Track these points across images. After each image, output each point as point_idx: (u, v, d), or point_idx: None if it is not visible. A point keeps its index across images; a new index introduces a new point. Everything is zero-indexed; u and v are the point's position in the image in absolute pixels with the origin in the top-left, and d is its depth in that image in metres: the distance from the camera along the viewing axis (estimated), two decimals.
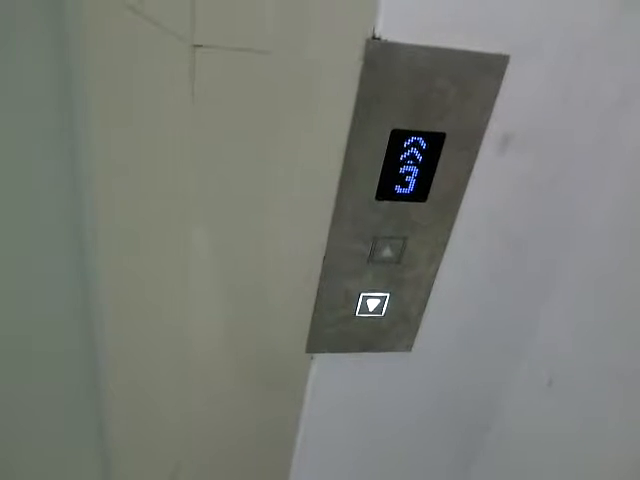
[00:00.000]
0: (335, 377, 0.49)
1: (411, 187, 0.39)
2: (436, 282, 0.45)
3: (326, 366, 0.48)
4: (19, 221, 0.46)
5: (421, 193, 0.40)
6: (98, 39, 0.37)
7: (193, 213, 0.39)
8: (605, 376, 0.45)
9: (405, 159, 0.38)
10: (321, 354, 0.47)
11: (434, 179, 0.39)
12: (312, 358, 0.47)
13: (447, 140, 0.38)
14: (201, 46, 0.32)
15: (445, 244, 0.43)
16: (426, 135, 0.37)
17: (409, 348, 0.48)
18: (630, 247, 0.42)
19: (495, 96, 0.37)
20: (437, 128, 0.37)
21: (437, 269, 0.44)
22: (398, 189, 0.39)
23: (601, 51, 0.37)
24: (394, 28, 0.34)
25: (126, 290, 0.47)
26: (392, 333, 0.47)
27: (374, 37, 0.34)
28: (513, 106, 0.38)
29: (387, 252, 0.42)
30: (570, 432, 0.47)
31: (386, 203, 0.40)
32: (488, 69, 0.36)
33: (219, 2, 0.31)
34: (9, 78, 0.40)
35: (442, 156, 0.38)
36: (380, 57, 0.34)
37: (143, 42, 0.34)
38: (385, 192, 0.39)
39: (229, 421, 0.51)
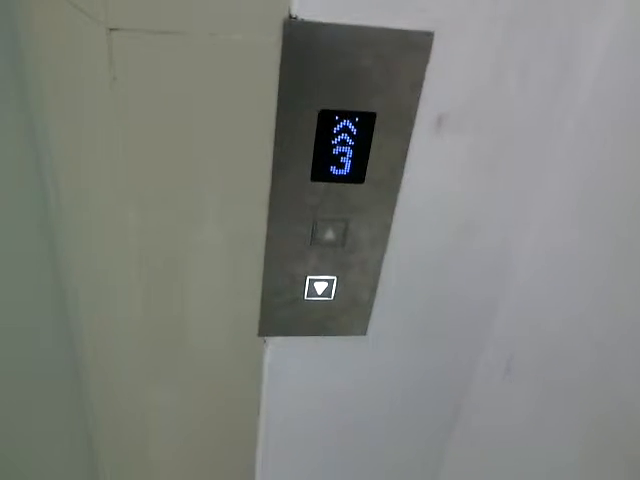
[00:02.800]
0: (291, 361, 0.49)
1: (347, 168, 0.39)
2: (385, 266, 0.45)
3: (281, 350, 0.48)
4: None
5: (357, 174, 0.40)
6: (40, 29, 0.39)
7: (129, 200, 0.39)
8: (562, 362, 0.44)
9: (338, 140, 0.38)
10: (274, 338, 0.48)
11: (369, 160, 0.39)
12: (265, 342, 0.48)
13: (378, 120, 0.38)
14: (117, 29, 0.33)
15: (389, 227, 0.42)
16: (356, 115, 0.37)
17: (363, 332, 0.48)
18: (581, 227, 0.41)
19: (422, 74, 0.36)
20: (366, 108, 0.37)
21: (383, 252, 0.44)
22: (334, 170, 0.39)
23: (531, 26, 0.36)
24: (311, 7, 0.34)
25: (88, 275, 0.49)
26: (344, 317, 0.47)
27: (291, 16, 0.34)
28: (444, 85, 0.37)
29: (329, 235, 0.42)
30: (526, 420, 0.47)
31: (323, 185, 0.40)
32: (413, 47, 0.35)
33: None
34: None
35: (375, 136, 0.38)
36: (299, 37, 0.34)
37: (68, 27, 0.35)
38: (320, 174, 0.39)
39: (190, 411, 0.52)
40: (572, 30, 0.36)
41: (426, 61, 0.36)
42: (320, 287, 0.45)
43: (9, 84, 0.43)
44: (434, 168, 0.40)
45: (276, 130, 0.37)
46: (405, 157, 0.39)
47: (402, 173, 0.40)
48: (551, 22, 0.36)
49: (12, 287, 0.52)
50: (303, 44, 0.34)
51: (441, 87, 0.37)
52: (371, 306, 0.47)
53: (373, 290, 0.46)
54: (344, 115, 0.37)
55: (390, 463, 0.58)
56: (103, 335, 0.53)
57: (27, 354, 0.57)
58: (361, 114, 0.37)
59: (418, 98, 0.37)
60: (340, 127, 0.38)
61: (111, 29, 0.33)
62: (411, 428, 0.55)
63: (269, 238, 0.42)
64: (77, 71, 0.37)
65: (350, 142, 0.38)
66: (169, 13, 0.33)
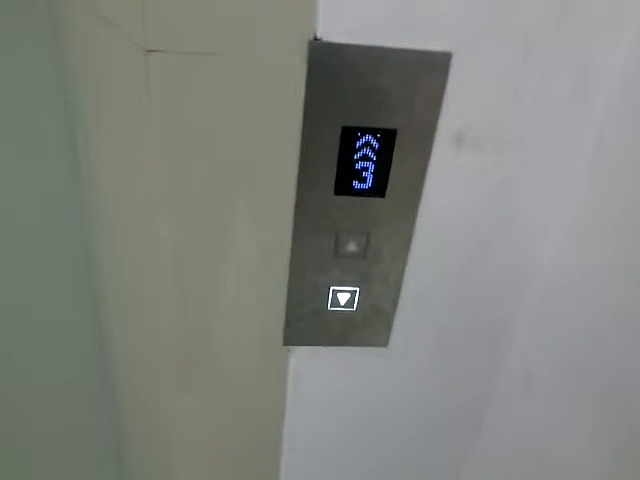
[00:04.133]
0: (314, 371, 0.50)
1: (369, 183, 0.41)
2: (406, 279, 0.46)
3: (305, 360, 0.50)
4: (27, 218, 0.51)
5: (379, 189, 0.41)
6: (83, 48, 0.42)
7: (161, 213, 0.42)
8: (579, 377, 0.44)
9: (360, 155, 0.40)
10: (299, 347, 0.49)
11: (390, 175, 0.41)
12: (289, 351, 0.49)
13: (399, 137, 0.39)
14: (154, 51, 0.35)
15: (409, 241, 0.44)
16: (377, 131, 0.39)
17: (385, 344, 0.49)
18: (599, 247, 0.42)
19: (442, 93, 0.38)
20: (387, 125, 0.39)
21: (404, 265, 0.45)
22: (356, 185, 0.41)
23: (549, 46, 0.37)
24: (334, 29, 0.36)
25: (120, 282, 0.51)
26: (366, 328, 0.48)
27: (316, 38, 0.36)
28: (463, 104, 0.39)
29: (352, 247, 0.44)
30: (545, 434, 0.47)
31: (345, 198, 0.41)
32: (431, 66, 0.37)
33: (168, 7, 0.34)
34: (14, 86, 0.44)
35: (396, 152, 0.40)
36: (323, 58, 0.36)
37: (107, 47, 0.38)
38: (343, 188, 0.41)
39: (215, 418, 0.54)
40: (589, 49, 0.37)
41: (445, 80, 0.38)
42: (343, 298, 0.46)
43: (56, 100, 0.46)
44: (454, 184, 0.42)
45: (301, 145, 0.39)
46: (425, 173, 0.41)
47: (422, 188, 0.41)
48: (568, 42, 0.37)
49: (47, 291, 0.55)
50: (327, 64, 0.36)
51: (460, 105, 0.39)
52: (392, 318, 0.48)
53: (394, 302, 0.47)
54: (366, 131, 0.39)
55: (411, 474, 0.58)
56: (133, 342, 0.55)
57: (58, 358, 0.59)
58: (382, 130, 0.39)
59: (437, 116, 0.39)
60: (362, 143, 0.39)
61: (149, 50, 0.35)
62: (432, 439, 0.56)
63: (294, 249, 0.43)
64: (115, 89, 0.39)
65: (372, 157, 0.40)
66: (202, 36, 0.35)
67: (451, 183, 0.42)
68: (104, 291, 0.55)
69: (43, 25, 0.43)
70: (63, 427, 0.65)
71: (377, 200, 0.42)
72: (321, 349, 0.49)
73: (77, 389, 0.63)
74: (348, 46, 0.36)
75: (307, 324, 0.47)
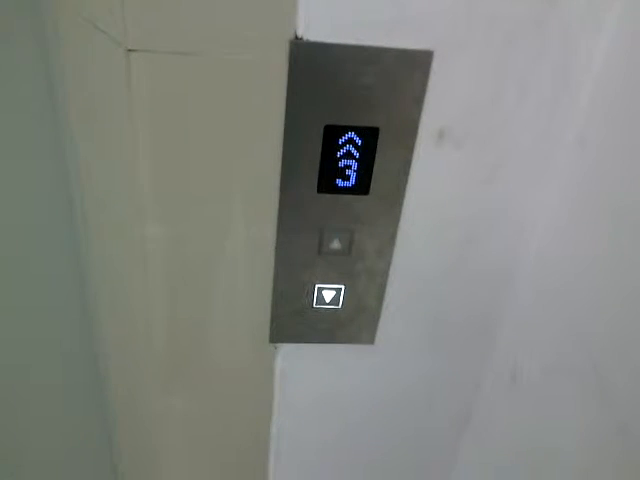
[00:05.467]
0: (301, 368, 0.51)
1: (352, 180, 0.41)
2: (391, 276, 0.46)
3: (291, 357, 0.50)
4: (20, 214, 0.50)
5: (362, 186, 0.41)
6: (67, 50, 0.42)
7: (146, 211, 0.42)
8: (562, 374, 0.44)
9: (342, 153, 0.40)
10: (285, 345, 0.49)
11: (374, 173, 0.41)
12: (275, 348, 0.49)
13: (381, 134, 0.39)
14: (135, 50, 0.35)
15: (394, 238, 0.44)
16: (359, 130, 0.39)
17: (371, 341, 0.49)
18: (581, 240, 0.42)
19: (423, 91, 0.38)
20: (370, 123, 0.39)
21: (389, 263, 0.45)
22: (340, 182, 0.41)
23: (528, 44, 0.37)
24: (315, 28, 0.36)
25: (108, 281, 0.51)
26: (352, 325, 0.48)
27: (297, 37, 0.36)
28: (444, 101, 0.39)
29: (336, 244, 0.44)
30: (531, 428, 0.47)
31: (328, 196, 0.42)
32: (413, 65, 0.37)
33: (148, 7, 0.34)
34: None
35: (379, 150, 0.40)
36: (304, 56, 0.36)
37: (90, 48, 0.38)
38: (326, 186, 0.41)
39: (203, 415, 0.54)
40: (569, 47, 0.37)
41: (426, 78, 0.38)
42: (328, 295, 0.46)
43: (43, 103, 0.46)
44: (437, 181, 0.42)
45: (284, 144, 0.39)
46: (408, 170, 0.41)
47: (406, 185, 0.42)
48: (548, 40, 0.37)
49: (37, 291, 0.55)
50: (308, 63, 0.37)
51: (441, 103, 0.39)
52: (378, 315, 0.48)
53: (380, 299, 0.47)
54: (348, 130, 0.39)
55: (400, 470, 0.59)
56: (122, 340, 0.55)
57: (50, 358, 0.59)
58: (365, 129, 0.39)
59: (419, 114, 0.39)
60: (344, 141, 0.39)
61: (129, 50, 0.35)
62: (421, 436, 0.56)
63: (279, 247, 0.44)
64: (99, 88, 0.39)
65: (355, 155, 0.40)
66: (183, 35, 0.35)
67: (434, 180, 0.42)
68: (95, 291, 0.56)
69: (30, 26, 0.43)
70: (54, 426, 0.65)
71: (361, 197, 0.42)
72: (308, 346, 0.49)
73: (68, 389, 0.63)
74: (329, 45, 0.36)
75: (293, 321, 0.48)
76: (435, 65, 0.37)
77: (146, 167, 0.40)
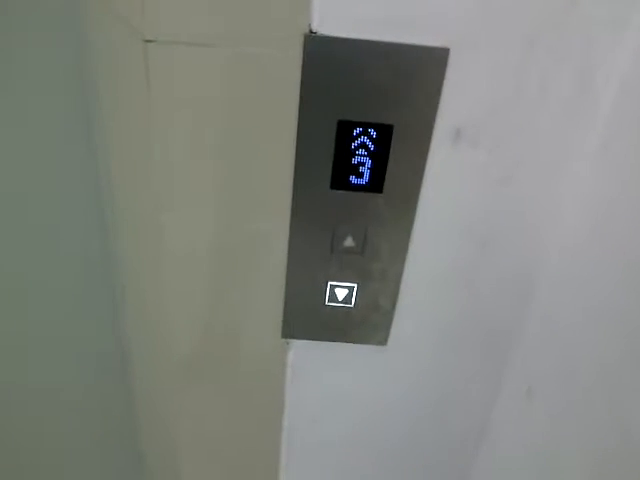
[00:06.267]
0: (313, 365, 0.50)
1: (366, 178, 0.41)
2: (405, 277, 0.45)
3: (303, 353, 0.50)
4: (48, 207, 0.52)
5: (376, 184, 0.41)
6: (92, 40, 0.43)
7: (163, 203, 0.43)
8: (576, 388, 0.43)
9: (356, 149, 0.40)
10: (297, 341, 0.49)
11: (388, 171, 0.40)
12: (288, 344, 0.49)
13: (396, 132, 0.39)
14: (152, 41, 0.36)
15: (408, 238, 0.43)
16: (373, 126, 0.39)
17: (383, 342, 0.49)
18: (606, 246, 0.41)
19: (439, 89, 0.38)
20: (384, 120, 0.39)
21: (403, 263, 0.45)
22: (353, 179, 0.41)
23: (551, 43, 0.36)
24: (330, 23, 0.36)
25: (132, 275, 0.53)
26: (364, 325, 0.48)
27: (311, 32, 0.36)
28: (461, 100, 0.38)
29: (349, 242, 0.44)
30: (545, 443, 0.46)
31: (342, 193, 0.41)
32: (429, 62, 0.37)
33: None
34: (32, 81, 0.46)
35: (393, 148, 0.40)
36: (318, 51, 0.36)
37: (111, 38, 0.39)
38: (340, 182, 0.41)
39: (217, 409, 0.55)
40: (591, 47, 0.36)
41: (442, 76, 0.37)
42: (341, 293, 0.46)
43: (75, 100, 0.47)
44: (453, 181, 0.41)
45: (297, 138, 0.39)
46: (423, 169, 0.40)
47: (420, 184, 0.41)
48: (569, 40, 0.36)
49: (64, 289, 0.56)
50: (322, 58, 0.36)
51: (459, 101, 0.38)
52: (391, 316, 0.47)
53: (393, 300, 0.47)
54: (362, 126, 0.39)
55: (412, 473, 0.58)
56: (143, 336, 0.56)
57: (75, 355, 0.61)
58: (379, 125, 0.39)
59: (435, 112, 0.38)
60: (358, 137, 0.39)
61: (147, 40, 0.36)
62: (431, 442, 0.55)
63: (292, 242, 0.44)
64: (120, 79, 0.40)
65: (368, 152, 0.40)
66: (199, 27, 0.36)
67: (450, 180, 0.41)
68: (119, 287, 0.57)
69: (62, 18, 0.44)
70: (83, 417, 0.67)
71: (374, 195, 0.41)
72: (320, 344, 0.49)
73: (93, 386, 0.64)
74: (343, 40, 0.36)
75: (305, 318, 0.47)
76: (452, 63, 0.37)
77: (161, 158, 0.40)
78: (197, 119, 0.39)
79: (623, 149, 0.38)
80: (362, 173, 0.41)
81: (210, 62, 0.37)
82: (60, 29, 0.43)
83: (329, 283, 0.46)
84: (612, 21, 0.35)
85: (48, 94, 0.46)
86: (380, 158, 0.40)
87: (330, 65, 0.37)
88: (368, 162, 0.40)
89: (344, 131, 0.39)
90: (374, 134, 0.39)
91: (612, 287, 0.40)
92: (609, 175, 0.39)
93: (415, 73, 0.37)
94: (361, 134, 0.39)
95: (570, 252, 0.43)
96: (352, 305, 0.47)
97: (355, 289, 0.46)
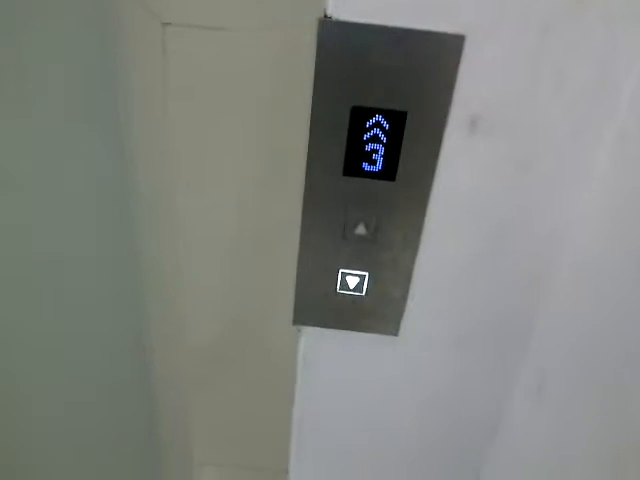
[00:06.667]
0: (324, 352, 0.51)
1: (379, 165, 0.41)
2: (417, 267, 0.45)
3: (314, 340, 0.50)
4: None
5: (389, 171, 0.41)
6: (113, 24, 0.44)
7: (178, 188, 0.43)
8: (586, 385, 0.42)
9: (369, 136, 0.40)
10: (309, 328, 0.49)
11: (401, 158, 0.40)
12: (299, 330, 0.50)
13: (409, 119, 0.39)
14: (170, 24, 0.37)
15: (420, 227, 0.43)
16: (387, 113, 0.39)
17: (395, 332, 0.49)
18: (624, 240, 0.40)
19: (454, 76, 0.37)
20: (398, 107, 0.39)
21: (415, 252, 0.44)
22: (366, 166, 0.41)
23: (569, 33, 0.36)
24: (345, 8, 0.36)
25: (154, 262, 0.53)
26: (376, 314, 0.48)
27: (326, 16, 0.36)
28: (477, 88, 0.38)
29: (361, 229, 0.44)
30: (555, 440, 0.45)
31: (355, 180, 0.41)
32: (444, 49, 0.37)
33: None
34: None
35: (406, 135, 0.39)
36: (333, 36, 0.36)
37: (133, 22, 0.40)
38: (352, 168, 0.41)
39: (228, 395, 0.55)
40: (611, 37, 0.35)
41: (457, 64, 0.37)
42: (352, 281, 0.46)
43: (96, 85, 0.48)
44: (467, 170, 0.41)
45: (310, 123, 0.39)
46: (437, 157, 0.40)
47: (434, 173, 0.41)
48: (588, 29, 0.35)
49: (95, 285, 0.57)
50: (337, 43, 0.37)
51: (474, 89, 0.38)
52: (403, 306, 0.47)
53: (405, 290, 0.47)
54: (376, 112, 0.39)
55: (423, 466, 0.58)
56: (163, 325, 0.57)
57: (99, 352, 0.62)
58: (392, 112, 0.39)
59: (449, 100, 0.38)
60: (372, 124, 0.39)
61: (164, 23, 0.37)
62: (442, 436, 0.55)
63: (304, 228, 0.44)
64: (138, 62, 0.41)
65: (382, 139, 0.40)
66: (216, 10, 0.37)
67: (464, 169, 0.41)
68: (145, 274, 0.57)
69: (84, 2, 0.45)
70: (105, 407, 0.68)
71: (387, 183, 0.41)
72: (331, 332, 0.49)
73: (113, 378, 0.65)
74: (358, 25, 0.36)
75: (316, 305, 0.48)
76: (467, 50, 0.36)
77: (177, 144, 0.41)
78: (212, 103, 0.39)
79: None
80: (375, 160, 0.41)
81: (226, 46, 0.37)
82: (82, 14, 0.44)
83: (340, 271, 0.46)
84: (633, 9, 0.34)
85: (67, 79, 0.47)
86: (393, 145, 0.40)
87: (344, 50, 0.37)
88: (381, 149, 0.40)
89: (358, 117, 0.39)
90: (388, 121, 0.39)
91: (630, 284, 0.39)
92: (628, 165, 0.38)
93: (430, 60, 0.37)
94: (375, 120, 0.39)
95: (587, 245, 0.42)
96: (363, 293, 0.47)
97: (366, 277, 0.46)
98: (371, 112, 0.39)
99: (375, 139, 0.40)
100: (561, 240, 0.43)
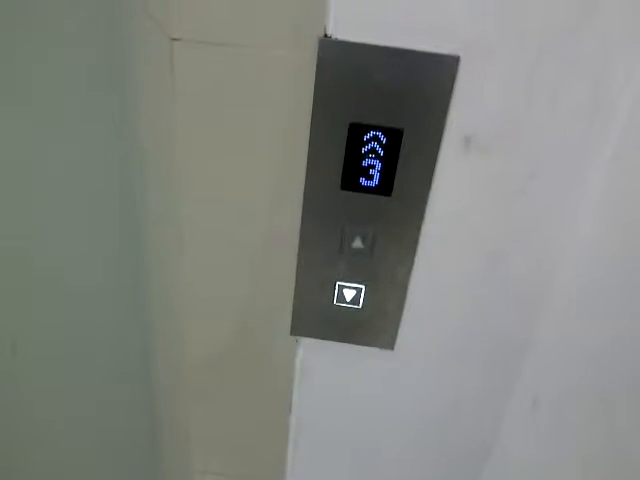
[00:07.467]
0: (321, 363, 0.51)
1: (375, 180, 0.42)
2: (412, 282, 0.46)
3: (312, 351, 0.51)
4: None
5: (385, 187, 0.42)
6: (124, 37, 0.45)
7: (182, 197, 0.45)
8: (589, 400, 0.42)
9: (366, 152, 0.41)
10: (306, 339, 0.50)
11: (397, 174, 0.41)
12: (297, 341, 0.50)
13: (405, 137, 0.40)
14: (178, 39, 0.38)
15: (416, 242, 0.44)
16: (384, 130, 0.40)
17: (391, 346, 0.49)
18: (621, 260, 0.40)
19: (449, 96, 0.38)
20: (394, 124, 0.40)
21: (411, 268, 0.45)
22: (363, 181, 0.42)
23: (565, 54, 0.37)
24: (344, 27, 0.37)
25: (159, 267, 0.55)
26: (372, 327, 0.49)
27: (326, 35, 0.37)
28: (472, 107, 0.39)
29: (357, 243, 0.44)
30: (549, 453, 0.45)
31: (352, 194, 0.42)
32: (439, 69, 0.38)
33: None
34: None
35: (402, 152, 0.40)
36: (332, 54, 0.38)
37: (141, 35, 0.41)
38: (350, 183, 0.42)
39: (226, 404, 0.56)
40: (606, 58, 0.36)
41: (452, 83, 0.38)
42: (349, 294, 0.47)
43: (104, 96, 0.49)
44: (463, 187, 0.42)
45: (310, 139, 0.41)
46: (432, 174, 0.41)
47: (429, 188, 0.42)
48: (584, 50, 0.36)
49: (99, 283, 0.58)
50: (336, 61, 0.38)
51: (469, 109, 0.39)
52: (399, 321, 0.48)
53: (401, 305, 0.47)
54: (373, 129, 0.40)
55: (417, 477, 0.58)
56: (164, 332, 0.58)
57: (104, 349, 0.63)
58: (389, 129, 0.40)
59: (445, 118, 0.39)
60: (369, 140, 0.40)
61: (173, 39, 0.38)
62: (436, 449, 0.55)
63: (302, 240, 0.45)
64: (149, 75, 0.43)
65: (378, 155, 0.41)
66: (222, 27, 0.38)
67: (460, 187, 0.42)
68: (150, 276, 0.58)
69: (95, 16, 0.47)
70: (101, 420, 0.69)
71: (384, 198, 0.42)
72: (329, 344, 0.50)
73: (116, 383, 0.66)
74: (357, 45, 0.37)
75: (314, 317, 0.49)
76: (462, 71, 0.38)
77: (183, 155, 0.42)
78: (214, 115, 0.41)
79: (637, 158, 0.37)
80: (372, 175, 0.42)
81: (230, 61, 0.39)
82: (94, 27, 0.45)
83: (337, 283, 0.47)
84: (628, 30, 0.35)
85: (78, 91, 0.48)
86: (390, 161, 0.41)
87: (343, 69, 0.38)
88: (378, 165, 0.41)
89: (355, 134, 0.40)
90: (384, 138, 0.40)
91: (625, 300, 0.40)
92: (623, 185, 0.38)
93: (426, 79, 0.38)
94: (372, 137, 0.40)
95: (581, 264, 0.43)
96: (360, 306, 0.47)
97: (363, 290, 0.47)
98: (368, 129, 0.40)
99: (372, 155, 0.41)
100: (556, 256, 0.44)
